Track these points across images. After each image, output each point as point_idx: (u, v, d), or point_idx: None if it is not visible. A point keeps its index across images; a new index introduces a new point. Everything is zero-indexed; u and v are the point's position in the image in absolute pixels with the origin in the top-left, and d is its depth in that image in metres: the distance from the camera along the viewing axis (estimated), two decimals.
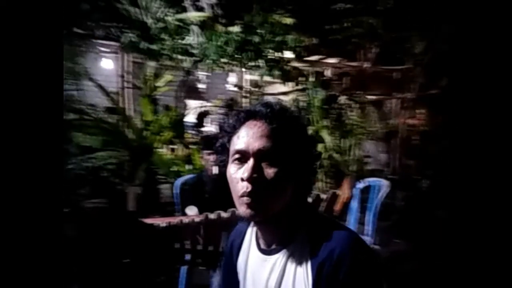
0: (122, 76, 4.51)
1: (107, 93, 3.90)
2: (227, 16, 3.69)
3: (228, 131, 0.75)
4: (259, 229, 0.77)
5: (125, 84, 4.39)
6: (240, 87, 5.17)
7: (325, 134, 3.15)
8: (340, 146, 3.26)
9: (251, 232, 0.81)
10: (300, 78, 3.75)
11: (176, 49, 3.33)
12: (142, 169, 3.61)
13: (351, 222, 2.79)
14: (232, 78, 5.22)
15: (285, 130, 0.71)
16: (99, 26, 3.57)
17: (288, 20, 3.54)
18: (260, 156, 0.68)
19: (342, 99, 3.73)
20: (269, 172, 0.68)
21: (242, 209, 0.69)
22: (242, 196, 0.68)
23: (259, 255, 0.77)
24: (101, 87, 3.92)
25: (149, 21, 3.31)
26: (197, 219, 1.65)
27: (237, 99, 4.93)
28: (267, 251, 0.75)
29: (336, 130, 3.30)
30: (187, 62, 3.63)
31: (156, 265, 1.80)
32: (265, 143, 0.69)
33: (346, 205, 1.94)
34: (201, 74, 5.31)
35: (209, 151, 2.20)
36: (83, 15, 3.48)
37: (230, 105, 4.57)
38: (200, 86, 6.23)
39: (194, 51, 3.43)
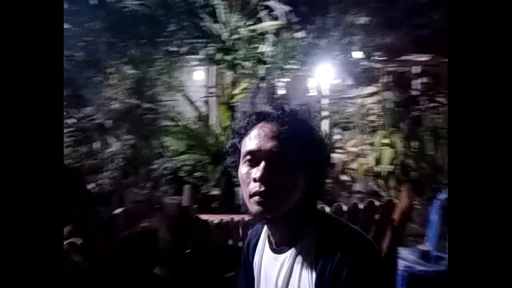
0: (208, 87, 4.96)
1: (191, 102, 4.35)
2: (301, 22, 3.75)
3: (239, 133, 0.78)
4: (269, 228, 0.79)
5: (208, 94, 4.80)
6: (318, 92, 5.14)
7: (396, 139, 2.90)
8: (416, 152, 2.95)
9: (265, 232, 0.84)
10: (375, 79, 3.55)
11: (249, 58, 3.51)
12: (219, 171, 3.90)
13: (431, 236, 2.51)
14: (311, 83, 5.21)
15: (296, 132, 0.73)
16: (186, 43, 4.01)
17: (363, 20, 3.41)
18: (271, 157, 0.70)
19: (422, 100, 3.37)
20: (280, 173, 0.70)
21: (253, 208, 0.72)
22: (253, 195, 0.71)
23: (270, 254, 0.79)
24: (188, 98, 4.39)
25: (225, 34, 3.58)
26: (247, 218, 1.71)
27: (313, 104, 4.90)
28: (277, 250, 0.78)
29: (413, 134, 3.00)
30: (261, 70, 3.79)
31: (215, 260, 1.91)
32: (276, 144, 0.71)
33: (407, 216, 1.75)
34: (281, 80, 5.47)
35: None
36: (172, 34, 3.98)
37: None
38: (280, 92, 6.39)
39: (267, 59, 3.56)
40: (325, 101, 4.69)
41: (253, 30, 3.48)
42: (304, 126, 0.76)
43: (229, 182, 3.96)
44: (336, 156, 4.80)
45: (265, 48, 3.49)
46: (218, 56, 3.43)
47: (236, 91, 4.31)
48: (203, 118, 4.46)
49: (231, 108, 4.34)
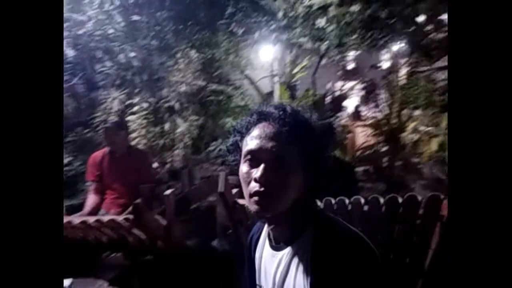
0: (269, 66, 4.97)
1: (252, 82, 4.43)
2: None
3: (240, 132, 0.78)
4: (268, 226, 0.81)
5: (269, 73, 4.81)
6: (384, 66, 4.75)
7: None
8: None
9: (266, 229, 0.85)
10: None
11: (306, 35, 3.41)
12: None
13: None
14: (377, 58, 4.83)
15: (297, 132, 0.72)
16: (244, 24, 4.04)
17: None
18: (271, 157, 0.70)
19: None
20: (280, 173, 0.70)
21: (252, 207, 0.72)
22: (253, 195, 0.71)
23: (269, 251, 0.81)
24: (249, 78, 4.48)
25: (282, 12, 3.51)
26: None
27: (377, 80, 4.55)
28: (275, 247, 0.79)
29: None
30: (320, 46, 3.65)
31: None
32: (276, 145, 0.70)
33: None
34: (346, 55, 5.19)
35: None
36: (232, 16, 4.05)
37: (371, 85, 4.28)
38: (349, 67, 6.06)
39: (325, 35, 3.41)
40: (391, 76, 4.32)
41: (310, 6, 3.34)
42: (305, 126, 0.75)
43: None
44: (407, 136, 4.45)
45: (323, 23, 3.34)
46: (276, 35, 3.40)
47: (296, 69, 4.23)
48: (264, 98, 4.52)
49: (291, 87, 4.30)
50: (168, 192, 1.94)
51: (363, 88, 4.44)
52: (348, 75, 5.62)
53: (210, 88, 4.64)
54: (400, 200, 1.57)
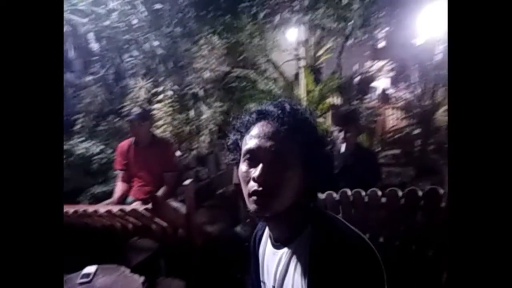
0: (292, 49, 4.82)
1: (276, 67, 4.35)
2: None
3: (240, 130, 0.78)
4: (268, 225, 0.81)
5: (293, 57, 4.69)
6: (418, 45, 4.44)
7: None
8: None
9: None
10: None
11: (330, 15, 3.26)
12: None
13: None
14: (408, 36, 4.52)
15: (296, 131, 0.71)
16: (266, 7, 3.94)
17: None
18: (270, 157, 0.70)
19: None
20: (278, 173, 0.69)
21: (251, 206, 0.72)
22: (252, 194, 0.70)
23: (271, 248, 0.81)
24: (272, 63, 4.39)
25: None
26: None
27: (409, 59, 4.29)
28: (276, 245, 0.79)
29: None
30: (344, 27, 3.49)
31: None
32: (276, 144, 0.70)
33: None
34: (376, 34, 4.91)
35: (339, 128, 2.12)
36: None
37: (402, 65, 4.05)
38: (380, 45, 5.76)
39: (349, 15, 3.25)
40: (426, 55, 4.06)
41: None
42: (304, 125, 0.74)
43: None
44: (441, 118, 4.21)
45: (347, 1, 3.17)
46: (299, 16, 3.28)
47: (321, 51, 4.09)
48: (287, 82, 4.44)
49: (316, 70, 4.17)
50: (187, 182, 1.99)
51: (393, 68, 4.21)
52: (377, 55, 5.34)
53: (234, 73, 4.62)
54: (420, 193, 1.50)
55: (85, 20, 2.85)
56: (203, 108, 4.31)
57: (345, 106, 3.97)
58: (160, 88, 4.07)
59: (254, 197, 0.70)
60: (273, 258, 0.80)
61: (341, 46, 3.95)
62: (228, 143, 0.81)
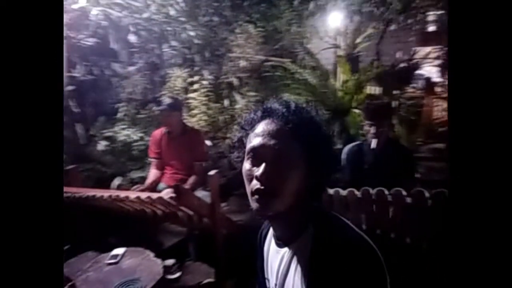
0: (329, 37, 4.64)
1: (312, 55, 4.22)
2: None
3: (245, 128, 0.78)
4: (270, 224, 0.81)
5: (330, 45, 4.52)
6: None
7: None
8: None
9: None
10: None
11: (367, 1, 3.08)
12: (338, 128, 3.79)
13: None
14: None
15: (300, 130, 0.71)
16: None
17: None
18: (273, 155, 0.69)
19: None
20: (281, 172, 0.69)
21: (253, 205, 0.72)
22: (254, 193, 0.70)
23: (274, 246, 0.82)
24: (308, 51, 4.28)
25: None
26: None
27: None
28: (279, 244, 0.80)
29: None
30: (385, 12, 3.29)
31: None
32: (279, 142, 0.70)
33: None
34: (419, 19, 4.53)
35: (370, 122, 2.03)
36: None
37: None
38: (422, 33, 5.33)
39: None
40: None
41: None
42: (309, 124, 0.73)
43: (349, 138, 3.83)
44: None
45: None
46: (333, 2, 3.14)
47: (359, 39, 3.89)
48: (323, 71, 4.30)
49: (354, 58, 4.00)
50: (212, 172, 2.04)
51: (440, 56, 3.89)
52: (421, 41, 4.96)
53: (270, 63, 4.57)
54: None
55: (123, 13, 2.98)
56: (238, 97, 4.34)
57: (384, 96, 3.77)
58: (196, 78, 4.16)
59: (257, 196, 0.70)
60: (276, 256, 0.80)
61: (382, 32, 3.73)
62: (233, 141, 0.82)
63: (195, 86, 4.16)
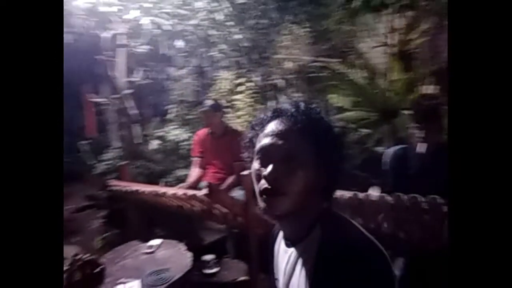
0: (381, 35, 4.39)
1: (360, 54, 4.05)
2: None
3: (255, 128, 0.78)
4: (279, 223, 0.81)
5: (381, 43, 4.29)
6: None
7: None
8: None
9: None
10: None
11: None
12: (383, 132, 3.60)
13: None
14: None
15: (310, 130, 0.71)
16: None
17: None
18: (281, 155, 0.70)
19: None
20: (289, 172, 0.69)
21: (261, 204, 0.72)
22: (262, 193, 0.71)
23: (283, 246, 0.82)
24: (357, 50, 4.11)
25: None
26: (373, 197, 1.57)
27: None
28: (287, 244, 0.80)
29: None
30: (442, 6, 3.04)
31: None
32: (288, 143, 0.70)
33: None
34: None
35: (418, 125, 1.89)
36: None
37: None
38: None
39: None
40: None
41: None
42: (318, 125, 0.73)
43: (397, 139, 3.60)
44: None
45: None
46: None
47: (413, 35, 3.64)
48: (374, 71, 4.11)
49: (406, 56, 3.75)
50: (245, 172, 2.07)
51: None
52: None
53: (317, 63, 4.50)
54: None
55: (172, 21, 3.17)
56: (283, 99, 4.35)
57: (440, 97, 3.47)
58: (242, 80, 4.26)
59: (264, 196, 0.71)
60: (284, 256, 0.80)
61: (439, 27, 3.45)
62: (244, 141, 0.83)
63: (241, 88, 4.26)
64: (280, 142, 0.70)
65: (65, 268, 1.41)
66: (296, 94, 4.37)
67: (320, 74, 4.42)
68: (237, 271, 2.47)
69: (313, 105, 0.77)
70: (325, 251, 0.68)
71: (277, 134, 0.71)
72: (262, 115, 0.78)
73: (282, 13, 4.49)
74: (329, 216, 0.74)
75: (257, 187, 0.73)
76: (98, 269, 1.51)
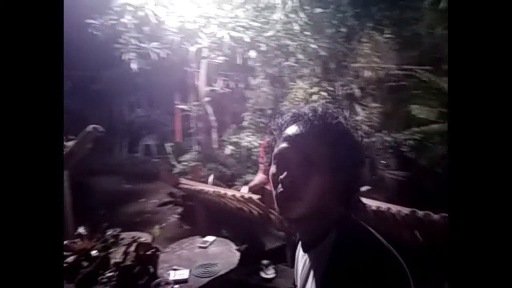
0: None
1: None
2: None
3: (273, 133, 0.80)
4: (295, 227, 0.81)
5: None
6: None
7: None
8: None
9: None
10: None
11: None
12: None
13: None
14: None
15: (327, 135, 0.71)
16: None
17: None
18: (298, 159, 0.70)
19: None
20: (306, 176, 0.69)
21: (277, 208, 0.73)
22: (278, 197, 0.72)
23: (301, 251, 0.82)
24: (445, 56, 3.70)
25: None
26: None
27: None
28: (304, 248, 0.79)
29: None
30: None
31: None
32: (305, 147, 0.71)
33: None
34: None
35: None
36: None
37: None
38: None
39: None
40: None
41: None
42: (335, 129, 0.72)
43: None
44: None
45: None
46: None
47: None
48: None
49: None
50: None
51: None
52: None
53: (400, 72, 4.20)
54: None
55: (247, 33, 3.35)
56: (358, 108, 4.16)
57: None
58: (316, 89, 4.22)
59: (280, 200, 0.72)
60: (301, 261, 0.81)
61: None
62: (265, 146, 0.85)
63: (315, 97, 4.21)
64: (296, 146, 0.71)
65: (122, 249, 1.64)
66: (373, 104, 4.13)
67: (402, 83, 4.10)
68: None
69: (331, 110, 0.76)
70: (337, 257, 0.66)
71: (294, 139, 0.72)
72: (280, 120, 0.79)
73: (362, 20, 4.33)
74: (346, 222, 0.72)
75: (274, 191, 0.74)
76: (149, 252, 1.70)
